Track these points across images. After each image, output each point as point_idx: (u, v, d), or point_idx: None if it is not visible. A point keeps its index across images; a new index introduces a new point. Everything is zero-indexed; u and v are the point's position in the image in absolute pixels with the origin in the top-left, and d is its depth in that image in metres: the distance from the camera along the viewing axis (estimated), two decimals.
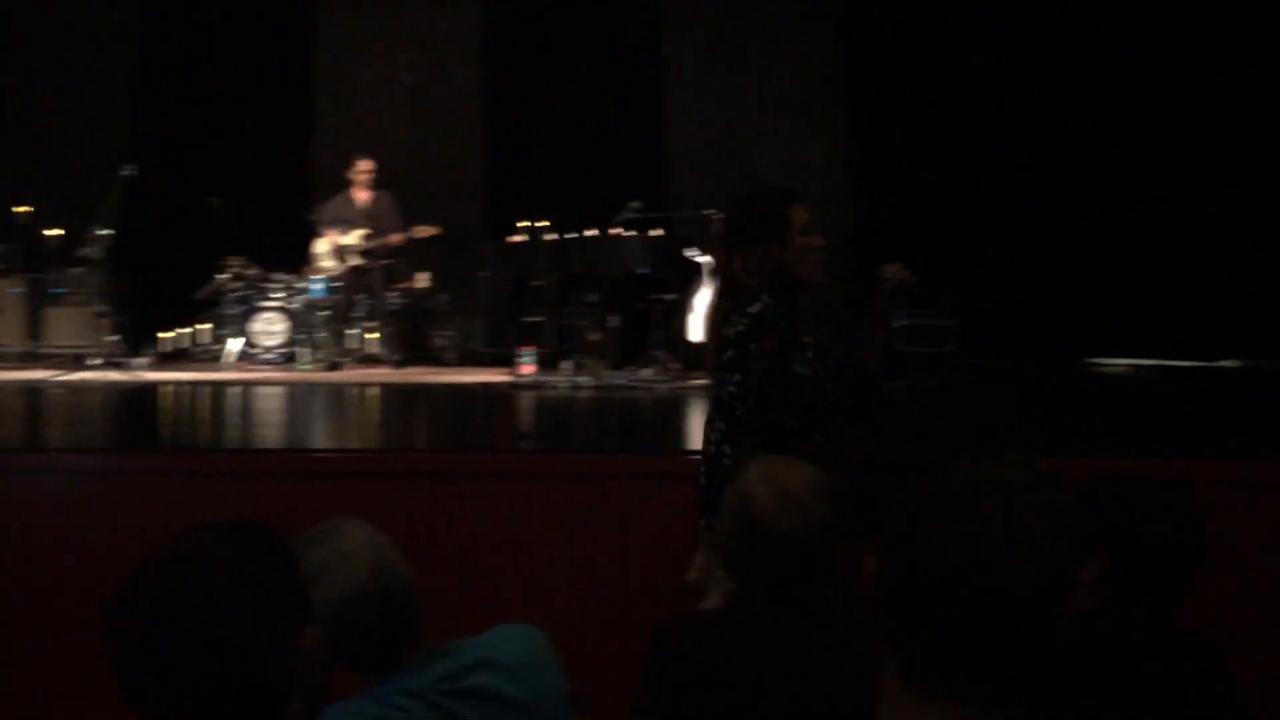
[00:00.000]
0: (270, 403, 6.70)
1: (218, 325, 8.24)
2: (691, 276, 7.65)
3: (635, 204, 7.61)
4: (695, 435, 6.17)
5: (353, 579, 1.84)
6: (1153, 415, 6.18)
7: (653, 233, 7.64)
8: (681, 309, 7.77)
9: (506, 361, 7.65)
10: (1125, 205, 7.80)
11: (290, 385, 7.28)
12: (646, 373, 7.38)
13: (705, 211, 7.55)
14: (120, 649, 1.26)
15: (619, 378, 7.34)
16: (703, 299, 7.73)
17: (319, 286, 8.15)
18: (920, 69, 8.54)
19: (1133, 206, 7.78)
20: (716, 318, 3.19)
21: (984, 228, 8.29)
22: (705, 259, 7.65)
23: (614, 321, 7.78)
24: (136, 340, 8.13)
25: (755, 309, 3.05)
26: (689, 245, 7.67)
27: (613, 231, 7.60)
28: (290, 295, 8.17)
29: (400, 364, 8.13)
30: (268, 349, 8.07)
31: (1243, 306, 7.24)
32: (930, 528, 1.22)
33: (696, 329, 7.79)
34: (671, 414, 6.54)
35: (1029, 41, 8.19)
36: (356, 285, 8.37)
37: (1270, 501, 3.95)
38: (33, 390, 6.80)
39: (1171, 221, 7.64)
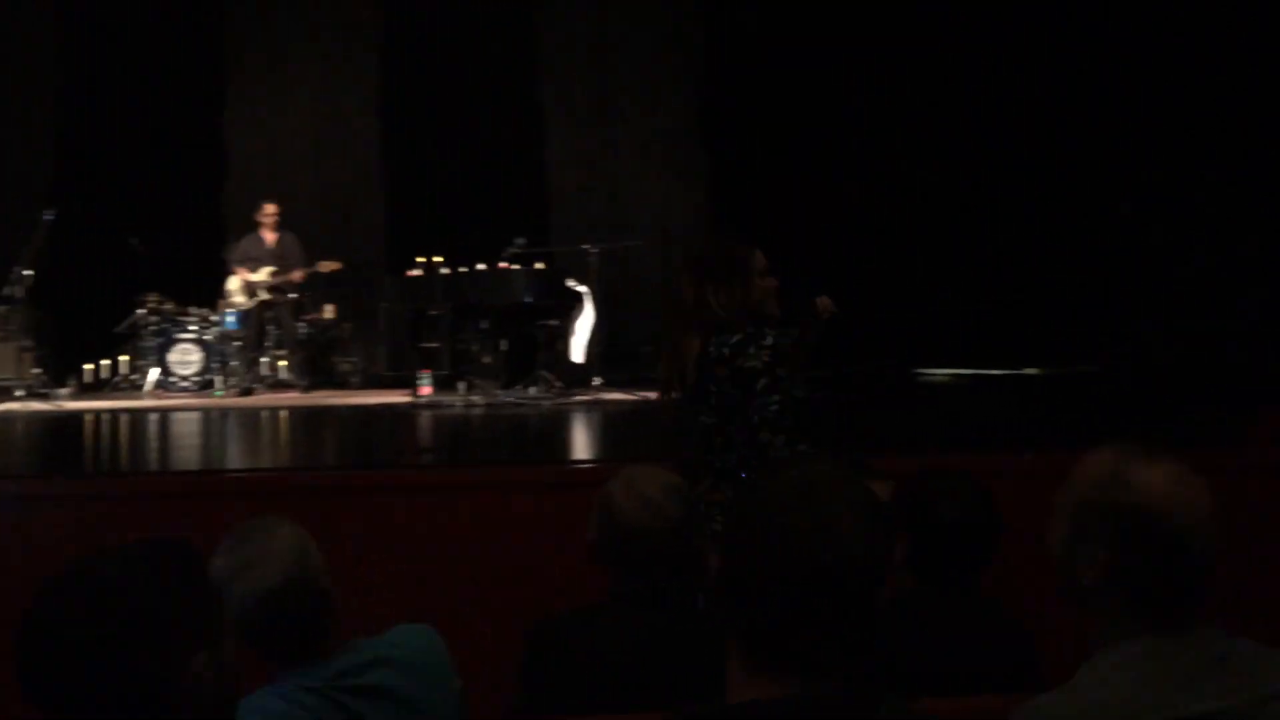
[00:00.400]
0: (187, 427, 6.51)
1: (137, 356, 7.98)
2: (572, 304, 7.69)
3: (520, 240, 7.64)
4: (579, 447, 6.25)
5: (273, 574, 1.81)
6: (968, 418, 6.40)
7: (537, 266, 7.67)
8: (564, 333, 7.80)
9: (407, 384, 7.59)
10: (941, 234, 8.05)
11: (206, 410, 7.08)
12: (533, 391, 7.38)
13: (583, 246, 7.62)
14: (19, 653, 1.22)
15: (509, 396, 7.33)
16: (584, 324, 7.78)
17: (231, 319, 7.98)
18: (769, 117, 8.72)
19: (947, 236, 8.03)
20: (685, 342, 3.21)
21: (822, 256, 8.51)
22: (583, 288, 7.70)
23: (503, 346, 7.77)
24: (60, 372, 7.85)
25: (769, 340, 3.08)
26: (569, 276, 7.72)
27: (501, 265, 7.61)
28: (204, 327, 7.98)
29: (308, 388, 7.99)
30: (184, 377, 7.86)
31: (1042, 320, 7.53)
32: (761, 525, 1.26)
33: (578, 351, 7.83)
34: (556, 428, 6.55)
35: (863, 90, 8.42)
36: (266, 317, 8.20)
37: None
38: None
39: (980, 246, 7.91)
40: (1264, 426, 4.36)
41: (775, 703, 1.23)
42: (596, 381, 7.43)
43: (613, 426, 6.54)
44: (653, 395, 7.64)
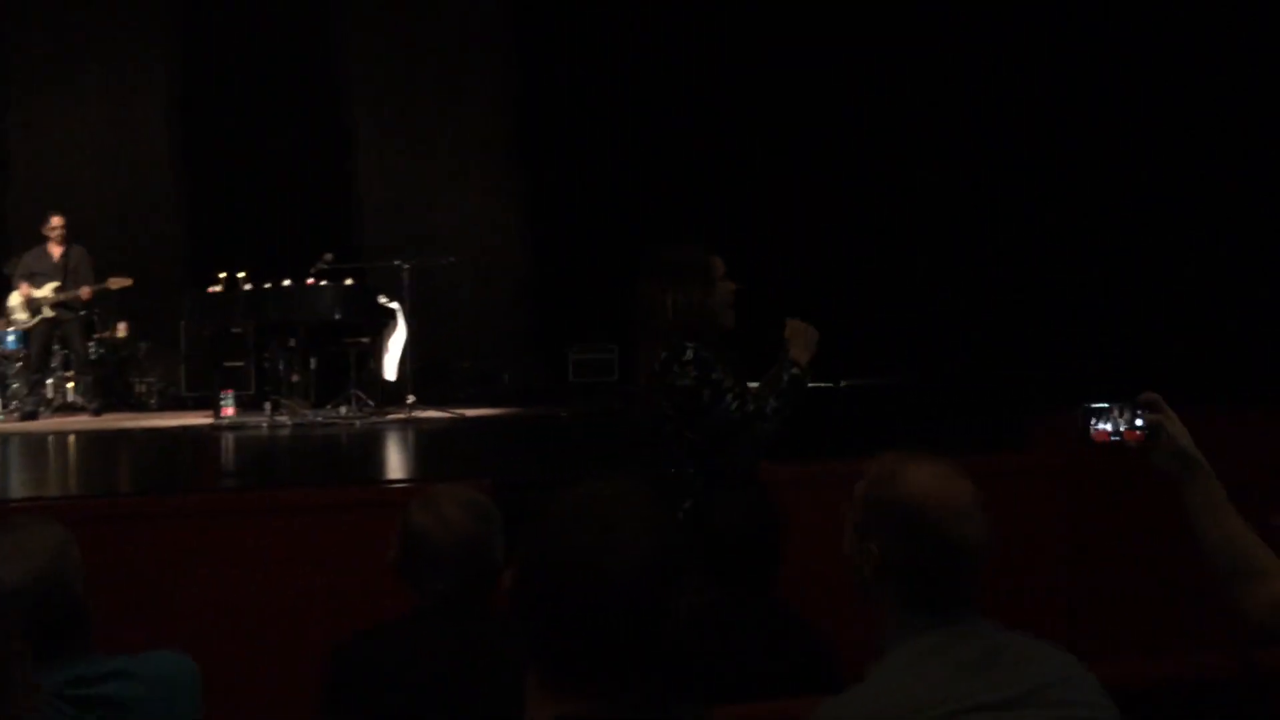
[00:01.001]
0: None
1: None
2: (384, 321, 7.54)
3: (328, 256, 7.45)
4: (392, 466, 6.15)
5: (21, 571, 1.73)
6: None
7: (346, 282, 7.49)
8: (376, 351, 7.64)
9: (208, 405, 7.27)
10: (751, 248, 8.30)
11: None
12: (344, 410, 7.20)
13: (395, 262, 7.49)
14: None
15: (318, 416, 7.13)
16: (396, 341, 7.65)
17: (11, 338, 7.47)
18: (586, 131, 8.80)
19: (756, 249, 8.28)
20: (644, 347, 3.16)
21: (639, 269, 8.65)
22: (395, 305, 7.57)
23: (313, 364, 7.56)
24: None
25: (689, 356, 3.02)
26: (380, 293, 7.57)
27: (308, 281, 7.40)
28: None
29: (98, 411, 7.55)
30: None
31: (844, 333, 7.84)
32: (548, 542, 1.27)
33: (390, 368, 7.69)
34: (369, 447, 6.41)
35: (678, 102, 8.60)
36: (51, 336, 7.71)
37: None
38: None
39: (784, 261, 8.19)
40: (1039, 432, 4.68)
41: None
42: (410, 400, 7.32)
43: (427, 445, 6.45)
44: (467, 412, 7.62)
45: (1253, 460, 3.08)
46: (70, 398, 7.65)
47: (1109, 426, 2.44)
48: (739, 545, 2.42)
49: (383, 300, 7.51)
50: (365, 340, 7.55)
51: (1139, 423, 2.38)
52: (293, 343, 7.53)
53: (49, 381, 7.62)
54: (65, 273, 7.69)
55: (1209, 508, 2.21)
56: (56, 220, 7.74)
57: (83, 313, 7.78)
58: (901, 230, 7.71)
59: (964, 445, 4.86)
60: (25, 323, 7.59)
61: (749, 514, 2.42)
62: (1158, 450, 2.26)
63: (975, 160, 7.65)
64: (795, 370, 3.12)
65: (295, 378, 7.49)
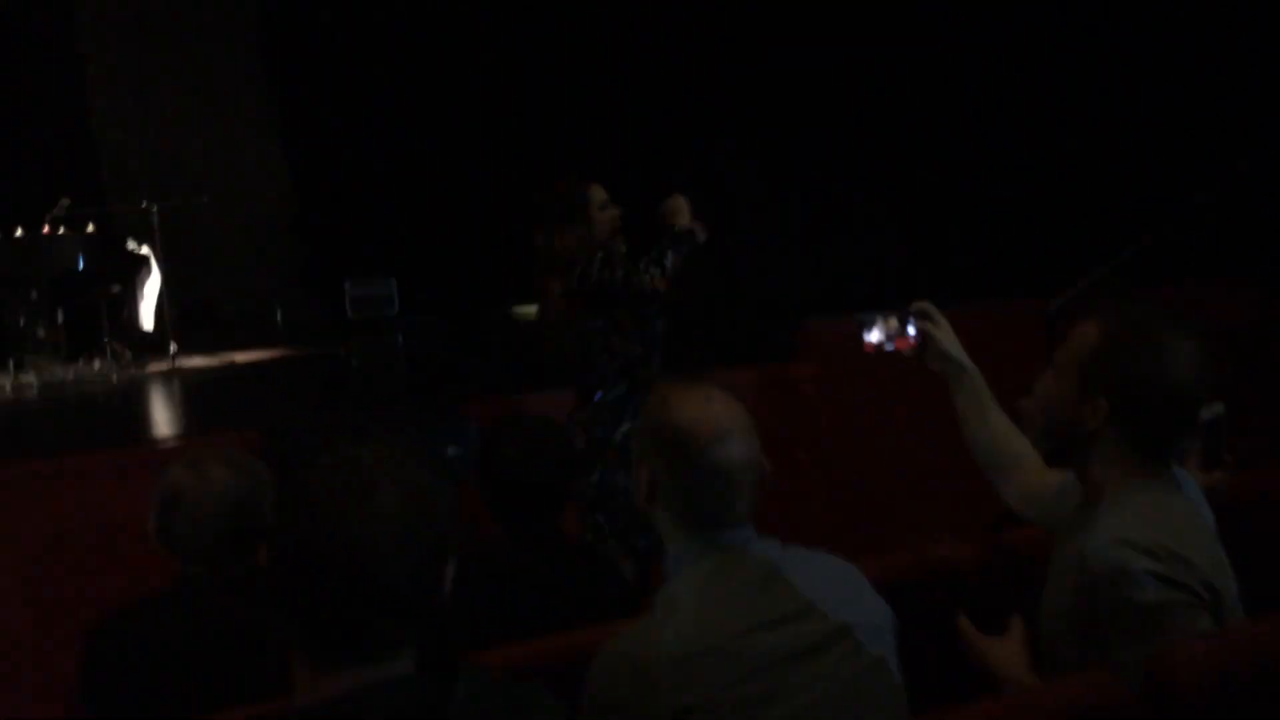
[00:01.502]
0: None
1: None
2: (135, 268, 7.03)
3: (65, 201, 6.85)
4: (156, 422, 5.77)
5: None
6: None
7: (88, 229, 6.92)
8: (129, 300, 7.12)
9: None
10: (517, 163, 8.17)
11: None
12: (99, 366, 6.70)
13: (142, 204, 6.96)
14: None
15: (70, 374, 6.61)
16: (150, 288, 7.14)
17: None
18: (345, 59, 8.38)
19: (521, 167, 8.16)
20: (546, 285, 3.30)
21: (410, 202, 8.37)
22: (145, 250, 7.06)
23: (60, 318, 6.96)
24: None
25: (599, 258, 3.23)
26: (128, 238, 7.05)
27: (45, 230, 6.79)
28: None
29: None
30: None
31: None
32: (303, 510, 1.19)
33: (147, 317, 7.19)
34: (130, 404, 6.00)
35: (448, 28, 8.29)
36: None
37: None
38: None
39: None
40: (806, 338, 4.83)
41: (343, 698, 1.18)
42: (173, 349, 6.88)
43: (195, 396, 6.09)
44: (238, 357, 7.24)
45: (1007, 352, 3.25)
46: None
47: (881, 335, 2.53)
48: (529, 481, 2.39)
49: (131, 246, 7.00)
50: (116, 289, 7.03)
51: (910, 330, 2.48)
52: (34, 296, 6.92)
53: None
54: None
55: (975, 407, 2.34)
56: None
57: None
58: (658, 138, 7.72)
59: (736, 356, 5.00)
60: None
61: (538, 450, 2.38)
62: (928, 355, 2.36)
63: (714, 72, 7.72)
64: (682, 229, 3.40)
65: (41, 334, 6.89)
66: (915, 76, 7.15)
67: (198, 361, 6.94)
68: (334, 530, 1.17)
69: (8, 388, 6.38)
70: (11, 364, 6.59)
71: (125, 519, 3.50)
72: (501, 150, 8.15)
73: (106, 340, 6.81)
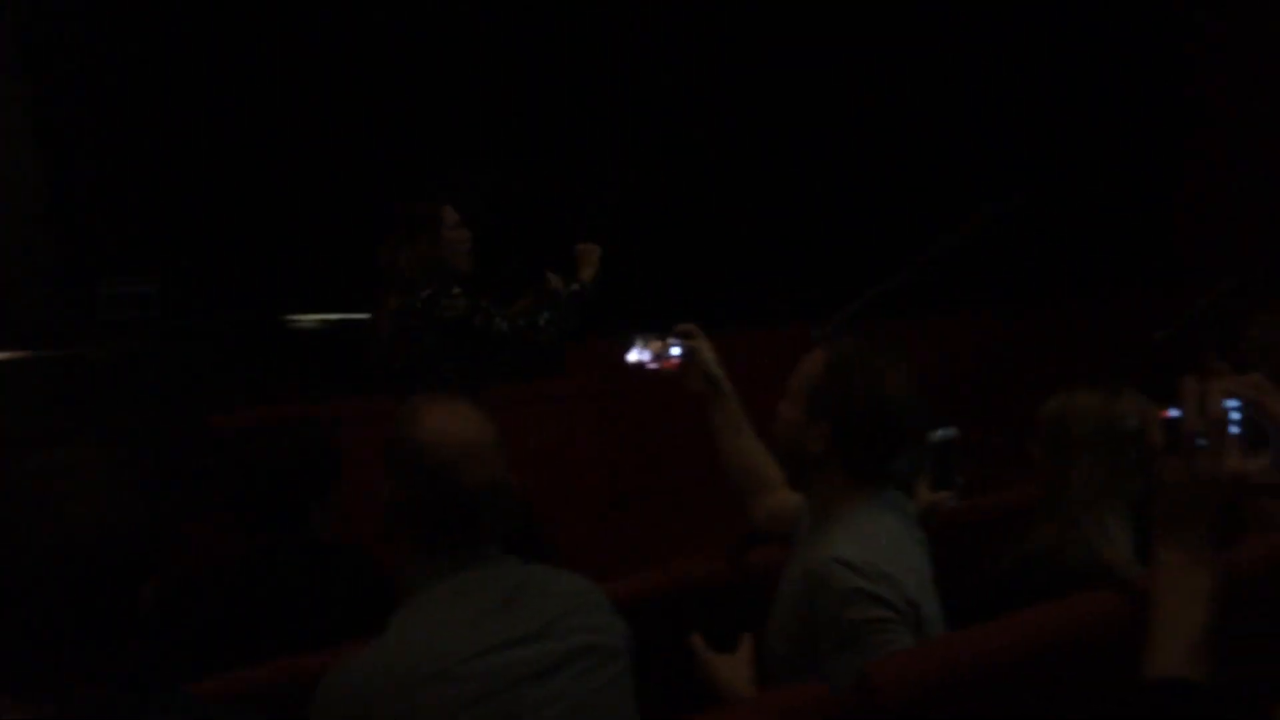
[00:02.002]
0: None
1: None
2: None
3: None
4: None
5: None
6: (332, 364, 6.42)
7: None
8: None
9: None
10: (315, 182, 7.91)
11: None
12: None
13: None
14: None
15: None
16: None
17: None
18: (102, 42, 7.86)
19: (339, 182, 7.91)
20: (383, 299, 3.39)
21: (181, 194, 7.95)
22: None
23: None
24: None
25: (456, 289, 3.35)
26: None
27: None
28: None
29: None
30: None
31: None
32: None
33: None
34: None
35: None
36: None
37: None
38: None
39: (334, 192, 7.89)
40: (577, 358, 4.89)
41: None
42: None
43: None
44: None
45: (775, 376, 3.39)
46: None
47: (646, 355, 2.59)
48: (270, 486, 2.31)
49: None
50: None
51: (675, 350, 2.55)
52: None
53: None
54: None
55: (730, 429, 2.45)
56: None
57: None
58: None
59: (505, 373, 4.99)
60: None
61: (279, 453, 2.31)
62: (690, 375, 2.45)
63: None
64: (577, 286, 3.46)
65: None
66: (700, 105, 7.35)
67: None
68: (16, 545, 1.09)
69: None
70: None
71: None
72: (293, 153, 7.85)
73: None
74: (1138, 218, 8.94)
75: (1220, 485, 1.19)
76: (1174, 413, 1.23)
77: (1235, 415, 1.22)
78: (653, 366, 2.58)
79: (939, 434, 2.75)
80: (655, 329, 2.61)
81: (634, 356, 2.60)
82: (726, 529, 2.99)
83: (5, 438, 3.67)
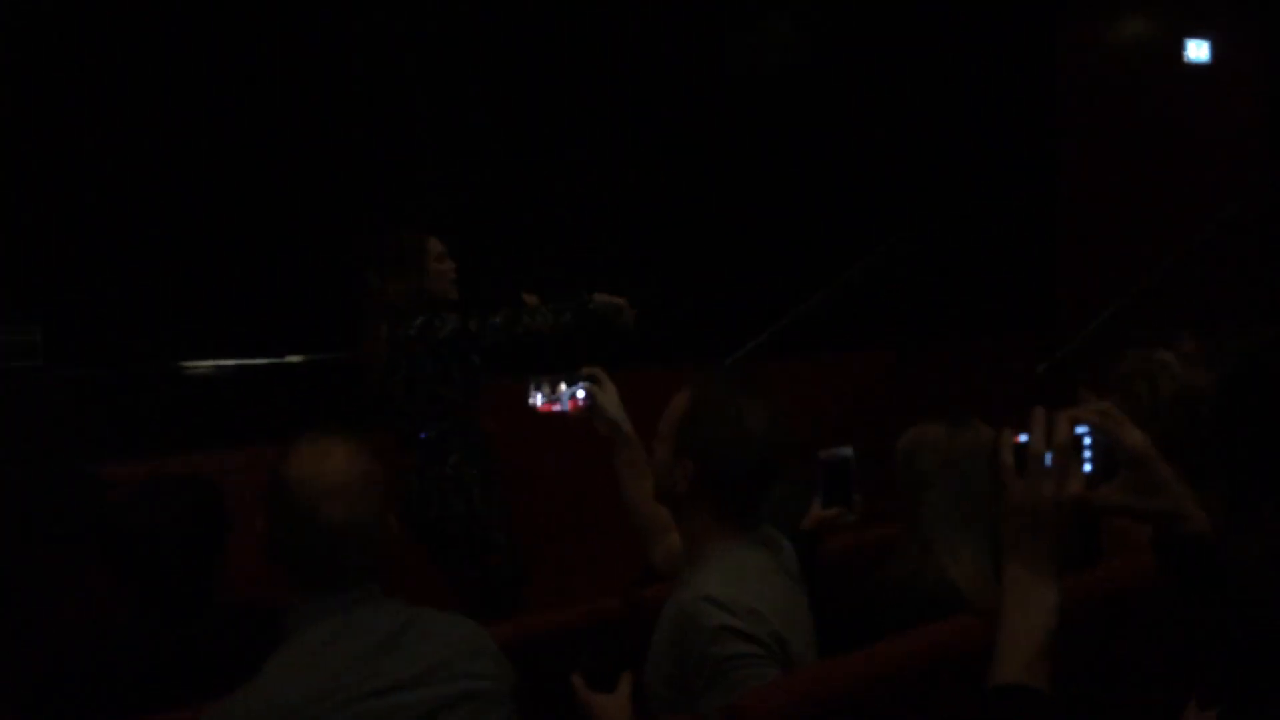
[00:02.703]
0: None
1: None
2: None
3: None
4: None
5: None
6: (230, 410, 6.27)
7: None
8: None
9: None
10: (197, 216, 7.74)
11: None
12: None
13: None
14: None
15: None
16: None
17: None
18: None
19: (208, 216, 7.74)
20: (374, 328, 3.50)
21: (64, 238, 7.70)
22: None
23: None
24: None
25: (420, 322, 3.45)
26: None
27: None
28: None
29: None
30: None
31: (304, 307, 7.59)
32: None
33: None
34: None
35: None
36: None
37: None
38: None
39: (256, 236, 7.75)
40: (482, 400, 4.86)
41: None
42: None
43: None
44: None
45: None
46: None
47: (552, 397, 2.60)
48: (171, 550, 2.24)
49: None
50: None
51: (580, 394, 2.57)
52: None
53: None
54: None
55: (631, 471, 2.48)
56: None
57: None
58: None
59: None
60: None
61: (163, 512, 2.25)
62: (595, 417, 2.47)
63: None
64: (586, 298, 3.60)
65: None
66: (594, 159, 7.43)
67: None
68: None
69: None
70: None
71: None
72: (183, 193, 7.68)
73: None
74: (1021, 260, 9.34)
75: (1062, 507, 1.26)
76: (1024, 437, 1.31)
77: (1087, 442, 1.31)
78: (557, 410, 2.59)
79: (835, 452, 2.83)
80: (560, 371, 2.62)
81: (541, 399, 2.62)
82: (629, 569, 3.00)
83: None
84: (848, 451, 2.87)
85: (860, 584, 2.39)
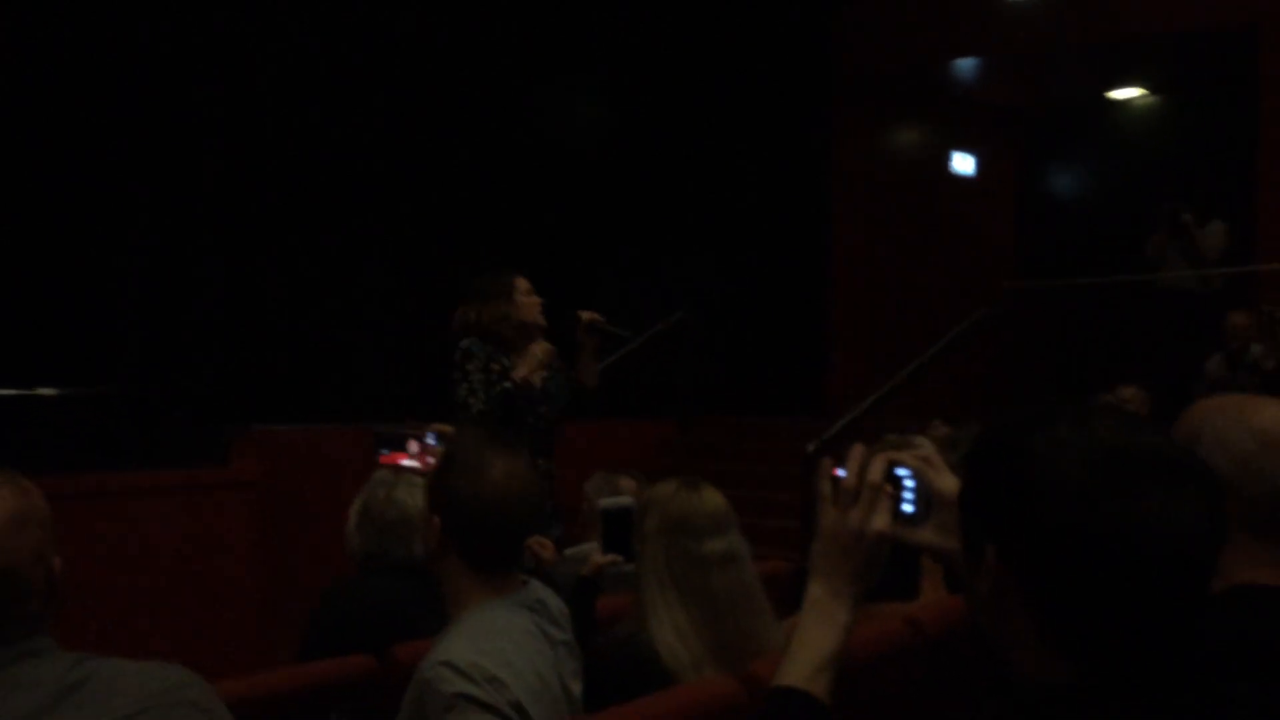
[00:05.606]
0: None
1: None
2: None
3: None
4: None
5: None
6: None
7: None
8: None
9: None
10: None
11: None
12: None
13: None
14: None
15: None
16: None
17: None
18: None
19: None
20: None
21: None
22: None
23: None
24: None
25: (465, 344, 3.91)
26: None
27: None
28: None
29: None
30: None
31: (58, 338, 7.05)
32: None
33: None
34: None
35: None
36: None
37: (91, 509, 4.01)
38: None
39: None
40: (239, 446, 4.68)
41: None
42: None
43: None
44: None
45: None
46: None
47: (402, 452, 2.53)
48: None
49: None
50: None
51: (432, 442, 2.51)
52: None
53: None
54: None
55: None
56: None
57: None
58: (104, 233, 7.12)
59: (167, 457, 4.66)
60: None
61: None
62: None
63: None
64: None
65: None
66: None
67: None
68: None
69: None
70: None
71: None
72: (41, 219, 7.00)
73: None
74: (797, 348, 9.96)
75: (864, 538, 1.35)
76: (841, 472, 1.37)
77: (909, 484, 1.41)
78: (413, 464, 2.54)
79: (617, 502, 2.86)
80: (410, 427, 2.60)
81: (392, 452, 2.58)
82: None
83: None
84: (628, 501, 2.90)
85: (595, 642, 2.35)
